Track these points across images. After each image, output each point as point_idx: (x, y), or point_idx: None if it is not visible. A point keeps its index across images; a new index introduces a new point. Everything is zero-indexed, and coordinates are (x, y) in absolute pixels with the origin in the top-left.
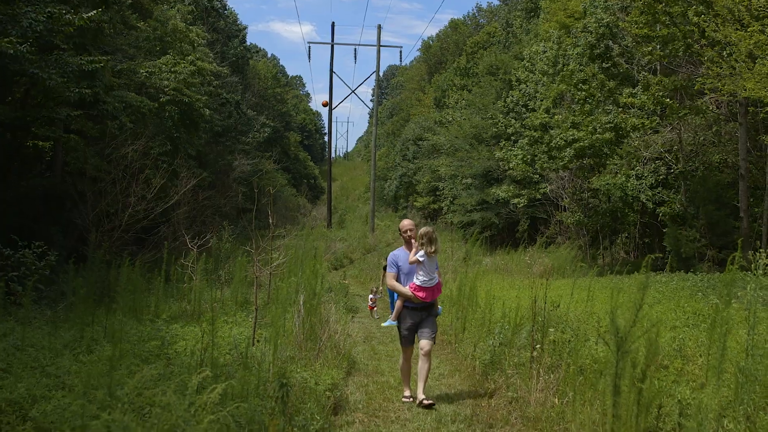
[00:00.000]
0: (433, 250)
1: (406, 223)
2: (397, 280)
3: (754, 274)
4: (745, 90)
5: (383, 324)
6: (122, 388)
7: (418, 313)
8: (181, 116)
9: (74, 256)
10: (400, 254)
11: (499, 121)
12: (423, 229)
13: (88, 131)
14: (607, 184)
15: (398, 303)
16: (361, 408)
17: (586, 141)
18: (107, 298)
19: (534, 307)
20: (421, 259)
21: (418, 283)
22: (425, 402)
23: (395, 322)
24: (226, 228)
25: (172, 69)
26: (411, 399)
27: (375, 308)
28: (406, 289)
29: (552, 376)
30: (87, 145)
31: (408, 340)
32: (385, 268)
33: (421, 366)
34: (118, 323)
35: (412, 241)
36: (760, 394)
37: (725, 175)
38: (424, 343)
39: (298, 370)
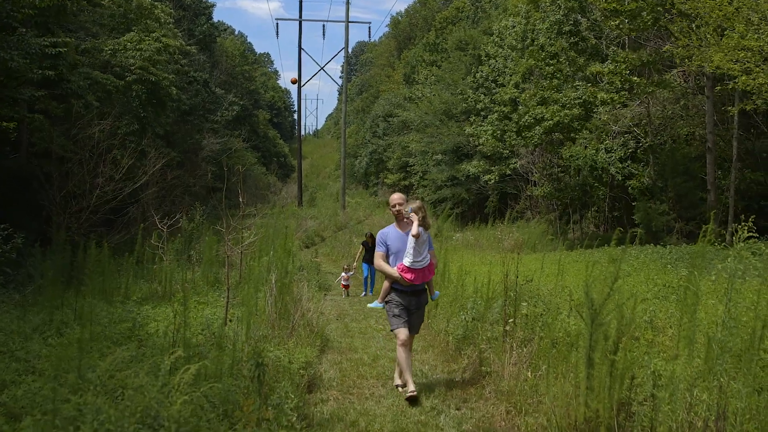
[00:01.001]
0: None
1: (395, 196)
2: (388, 259)
3: (729, 247)
4: (712, 62)
5: (369, 305)
6: (93, 371)
7: (407, 297)
8: (148, 95)
9: (41, 239)
10: (389, 232)
11: (469, 96)
12: (417, 203)
13: (53, 111)
14: (577, 156)
15: (386, 283)
16: (335, 385)
17: (555, 119)
18: (76, 281)
19: (506, 282)
20: (414, 232)
21: (406, 263)
22: (403, 391)
23: (382, 305)
24: (198, 208)
25: (137, 46)
26: (414, 393)
27: (348, 286)
28: (394, 270)
29: (525, 349)
30: (52, 125)
31: (399, 320)
32: (363, 245)
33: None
34: (87, 306)
35: (410, 217)
36: (731, 364)
37: (693, 148)
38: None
39: (272, 348)
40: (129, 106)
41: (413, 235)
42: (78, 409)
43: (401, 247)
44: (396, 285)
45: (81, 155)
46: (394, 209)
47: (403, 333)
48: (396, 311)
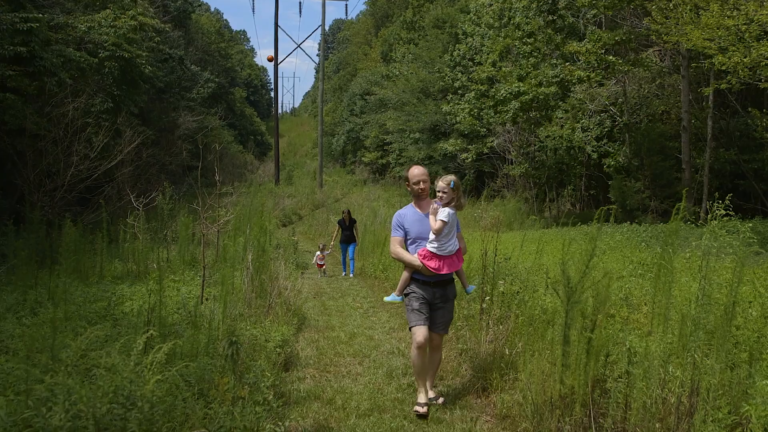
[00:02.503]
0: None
1: (416, 171)
2: (406, 245)
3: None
4: (690, 41)
5: (386, 298)
6: (67, 351)
7: (431, 289)
8: (122, 73)
9: (14, 218)
10: (407, 213)
11: (446, 74)
12: (448, 177)
13: (25, 89)
14: (554, 136)
15: (405, 273)
16: (312, 363)
17: (531, 94)
18: (50, 260)
19: (484, 260)
20: (446, 219)
21: (430, 248)
22: (429, 403)
23: (400, 297)
24: (168, 187)
25: (112, 24)
26: (425, 408)
27: (324, 265)
28: (414, 258)
29: (501, 327)
30: (25, 103)
31: (419, 316)
32: (339, 224)
33: (429, 356)
34: (61, 285)
35: (438, 198)
36: (704, 341)
37: (668, 127)
38: (433, 335)
39: (248, 327)
40: (103, 84)
41: (434, 231)
42: (50, 389)
43: (422, 232)
44: (417, 275)
45: (55, 133)
46: (416, 187)
47: (420, 332)
48: (415, 305)
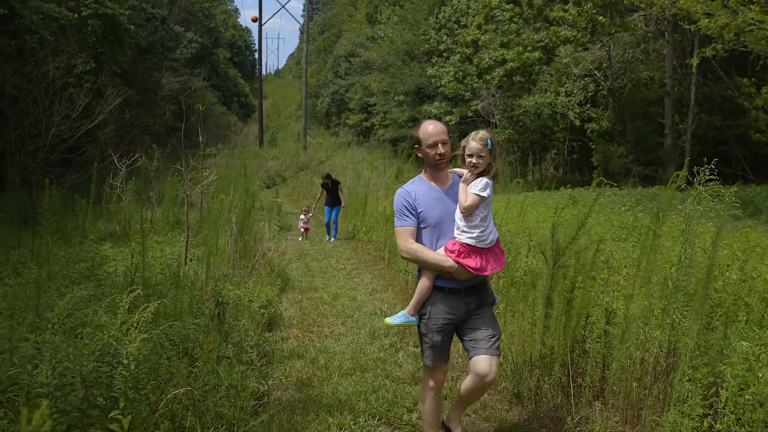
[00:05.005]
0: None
1: (432, 129)
2: (419, 238)
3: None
4: (675, 5)
5: (389, 320)
6: (52, 310)
7: (463, 300)
8: (104, 31)
9: None
10: (419, 190)
11: (431, 37)
12: (483, 134)
13: (4, 48)
14: (536, 103)
15: (422, 282)
16: (295, 324)
17: (515, 62)
18: (32, 221)
19: None
20: (486, 193)
21: (468, 240)
22: None
23: (414, 319)
24: (156, 149)
25: None
26: None
27: (308, 229)
28: (442, 257)
29: None
30: (5, 62)
31: (438, 353)
32: (323, 187)
33: (471, 390)
34: (44, 245)
35: (470, 166)
36: (684, 303)
37: (652, 92)
38: (482, 366)
39: (232, 288)
40: (85, 43)
41: (464, 208)
42: (36, 347)
43: (446, 216)
44: (442, 281)
45: (36, 93)
46: (432, 151)
47: (438, 375)
48: (437, 339)
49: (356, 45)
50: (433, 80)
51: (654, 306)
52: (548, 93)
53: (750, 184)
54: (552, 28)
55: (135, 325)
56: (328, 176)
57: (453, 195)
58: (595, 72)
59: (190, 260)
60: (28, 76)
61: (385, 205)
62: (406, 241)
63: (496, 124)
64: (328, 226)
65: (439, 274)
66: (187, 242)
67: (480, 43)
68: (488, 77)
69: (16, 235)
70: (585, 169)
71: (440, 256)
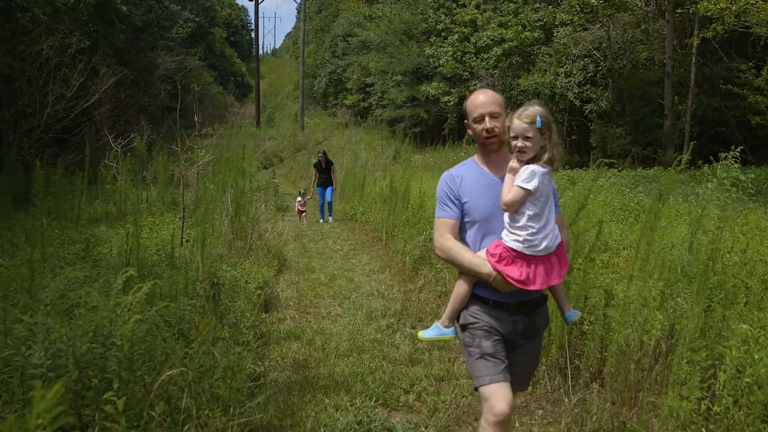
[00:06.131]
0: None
1: (482, 98)
2: (461, 238)
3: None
4: None
5: (421, 335)
6: (45, 291)
7: (509, 317)
8: (97, 10)
9: None
10: (466, 175)
11: (429, 16)
12: (533, 109)
13: None
14: (536, 83)
15: (459, 286)
16: (292, 305)
17: (514, 41)
18: (27, 202)
19: None
20: (531, 186)
21: (513, 244)
22: None
23: (449, 331)
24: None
25: None
26: None
27: (305, 212)
28: (480, 261)
29: None
30: None
31: (495, 366)
32: (316, 167)
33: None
34: (38, 226)
35: (516, 149)
36: (685, 284)
37: (651, 73)
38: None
39: (228, 269)
40: (79, 22)
41: (503, 205)
42: (29, 328)
43: (496, 209)
44: (483, 290)
45: (29, 72)
46: (480, 126)
47: (501, 395)
48: (486, 345)
49: (354, 24)
50: (431, 60)
51: (653, 288)
52: (547, 73)
53: (749, 166)
54: (549, 8)
55: (128, 306)
56: (324, 154)
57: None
58: (595, 52)
59: (186, 241)
60: (21, 56)
61: (383, 186)
62: (442, 236)
63: None
64: (321, 208)
65: (481, 282)
66: (183, 223)
67: (477, 23)
68: (486, 56)
69: (10, 216)
70: (583, 150)
71: (478, 259)
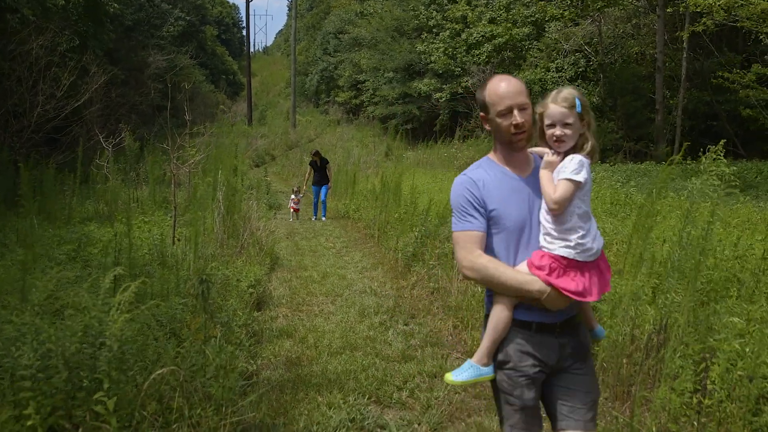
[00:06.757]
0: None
1: (505, 87)
2: (487, 250)
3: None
4: None
5: (452, 378)
6: (35, 292)
7: (555, 340)
8: (86, 10)
9: None
10: (489, 179)
11: (421, 13)
12: (568, 92)
13: None
14: (527, 80)
15: (495, 313)
16: (284, 303)
17: (504, 37)
18: (18, 202)
19: None
20: (581, 177)
21: (564, 252)
22: None
23: (487, 370)
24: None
25: None
26: None
27: (298, 209)
28: (527, 276)
29: None
30: None
31: (531, 417)
32: (311, 165)
33: None
34: (29, 226)
35: (553, 139)
36: (677, 280)
37: (642, 67)
38: None
39: (220, 267)
40: (68, 21)
41: (553, 205)
42: (18, 329)
43: (528, 214)
44: (525, 312)
45: (19, 72)
46: (505, 122)
47: None
48: (528, 397)
49: (345, 21)
50: (423, 57)
51: (644, 283)
52: (538, 69)
53: (741, 159)
54: (539, 3)
55: (117, 305)
56: (317, 153)
57: (537, 184)
58: (586, 47)
59: (178, 240)
60: (11, 56)
61: (375, 182)
62: (471, 252)
63: None
64: (315, 205)
65: (521, 302)
66: (174, 222)
67: (468, 20)
68: (477, 52)
69: (1, 216)
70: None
71: (524, 275)
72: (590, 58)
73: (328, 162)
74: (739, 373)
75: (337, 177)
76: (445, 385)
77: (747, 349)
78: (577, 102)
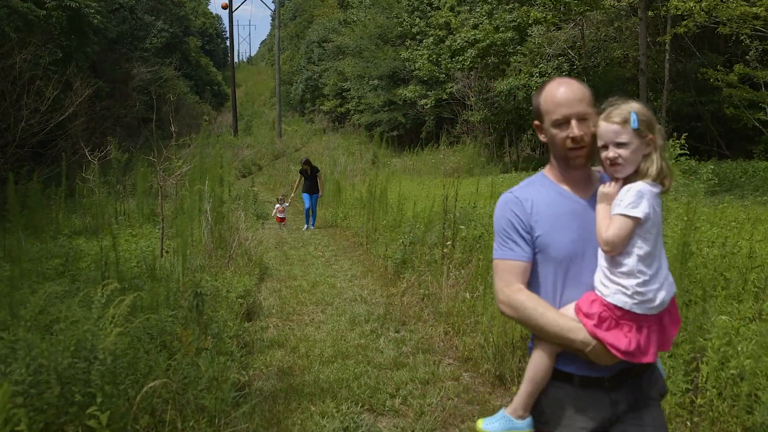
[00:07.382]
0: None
1: (560, 94)
2: (531, 286)
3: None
4: None
5: (485, 427)
6: (25, 307)
7: (607, 398)
8: (70, 23)
9: None
10: (539, 199)
11: (404, 20)
12: (627, 106)
13: None
14: (510, 87)
15: (536, 361)
16: (275, 313)
17: (487, 41)
18: (3, 217)
19: (445, 205)
20: (641, 213)
21: (618, 301)
22: None
23: (525, 424)
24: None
25: None
26: None
27: (284, 219)
28: (570, 323)
29: (463, 271)
30: None
31: None
32: (301, 173)
33: None
34: (16, 242)
35: (608, 161)
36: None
37: (626, 70)
38: None
39: (209, 279)
40: (51, 35)
41: (605, 246)
42: (9, 345)
43: (585, 244)
44: (568, 364)
45: (2, 87)
46: (562, 134)
47: None
48: None
49: (329, 30)
50: (407, 63)
51: None
52: (522, 74)
53: (725, 160)
54: (522, 8)
55: (110, 319)
56: (307, 162)
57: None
58: (569, 51)
59: (166, 252)
60: None
61: (362, 190)
62: (509, 286)
63: (471, 106)
64: (306, 213)
65: (566, 351)
66: (162, 234)
67: (451, 26)
68: (461, 58)
69: None
70: None
71: (568, 320)
72: (574, 61)
73: (318, 171)
74: (732, 371)
75: (324, 185)
76: (438, 391)
77: (738, 348)
78: (633, 116)
